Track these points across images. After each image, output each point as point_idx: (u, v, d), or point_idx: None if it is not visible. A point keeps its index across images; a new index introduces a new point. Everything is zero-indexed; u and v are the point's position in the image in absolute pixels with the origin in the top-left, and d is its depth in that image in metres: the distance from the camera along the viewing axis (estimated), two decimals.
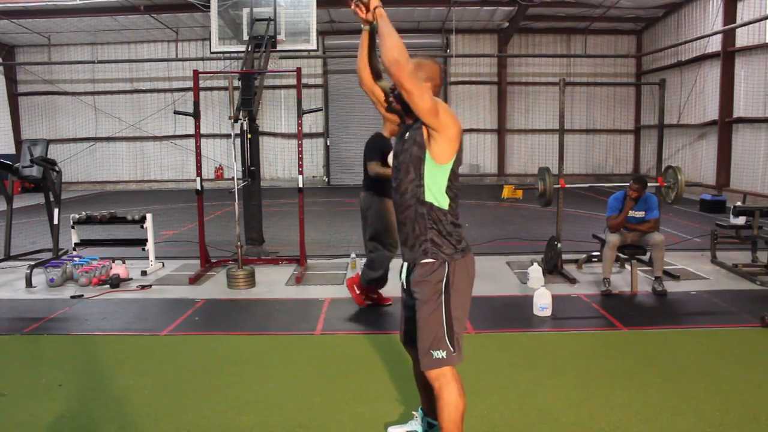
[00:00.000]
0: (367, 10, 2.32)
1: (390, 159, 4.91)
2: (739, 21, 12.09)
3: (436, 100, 2.31)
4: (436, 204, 2.40)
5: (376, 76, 2.59)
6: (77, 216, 6.69)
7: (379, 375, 3.70)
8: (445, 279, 2.40)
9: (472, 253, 2.51)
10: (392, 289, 5.27)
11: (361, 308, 5.13)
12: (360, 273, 5.14)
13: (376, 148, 4.89)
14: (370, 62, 2.55)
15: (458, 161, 2.41)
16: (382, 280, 4.99)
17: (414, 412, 2.94)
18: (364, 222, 5.08)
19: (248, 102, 6.79)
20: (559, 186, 6.13)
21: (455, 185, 2.43)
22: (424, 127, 2.35)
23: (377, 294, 5.15)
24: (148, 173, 18.21)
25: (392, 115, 2.60)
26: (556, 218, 6.33)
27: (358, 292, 5.12)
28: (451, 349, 2.40)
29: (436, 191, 2.39)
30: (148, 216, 6.62)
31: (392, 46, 2.20)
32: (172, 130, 17.75)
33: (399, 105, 2.45)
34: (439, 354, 2.39)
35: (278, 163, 17.88)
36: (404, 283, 2.59)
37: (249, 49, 7.60)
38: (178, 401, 3.37)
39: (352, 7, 2.34)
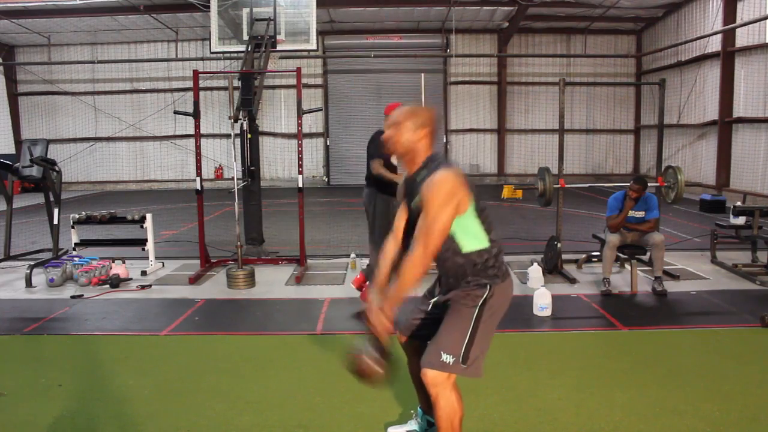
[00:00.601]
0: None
1: (394, 160, 4.91)
2: (739, 21, 12.10)
3: (447, 207, 2.26)
4: (475, 250, 2.38)
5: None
6: (77, 216, 6.68)
7: None
8: (484, 297, 2.39)
9: (510, 278, 2.50)
10: None
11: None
12: (363, 273, 5.14)
13: (375, 145, 4.90)
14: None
15: (476, 198, 2.36)
16: None
17: (412, 411, 2.94)
18: (368, 218, 5.10)
19: (248, 102, 6.79)
20: (559, 186, 6.13)
21: (484, 218, 2.40)
22: None
23: None
24: (148, 173, 18.21)
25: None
26: (556, 218, 6.33)
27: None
28: (461, 360, 2.36)
29: (471, 239, 2.37)
30: (148, 216, 6.62)
31: (417, 275, 2.29)
32: (172, 130, 17.75)
33: (396, 148, 2.46)
34: (447, 358, 2.35)
35: (278, 163, 17.88)
36: (435, 297, 2.59)
37: (249, 49, 7.60)
38: (178, 401, 3.37)
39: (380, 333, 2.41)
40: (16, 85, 17.77)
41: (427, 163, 2.39)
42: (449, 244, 2.37)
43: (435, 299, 2.57)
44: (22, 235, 8.70)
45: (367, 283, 5.18)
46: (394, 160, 4.99)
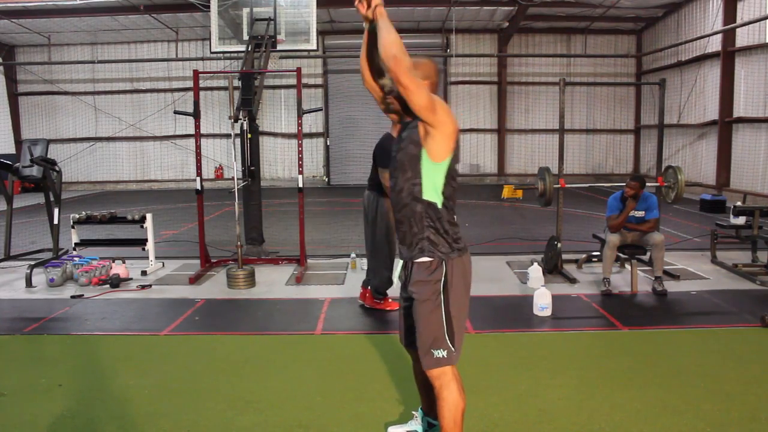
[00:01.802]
0: (368, 6, 2.32)
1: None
2: (739, 21, 12.09)
3: (433, 96, 2.30)
4: (433, 202, 2.39)
5: (378, 74, 2.60)
6: (77, 216, 6.69)
7: (379, 375, 3.70)
8: (443, 278, 2.40)
9: (469, 253, 2.51)
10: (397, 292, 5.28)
11: (361, 308, 5.12)
12: (369, 289, 5.12)
13: (383, 153, 4.83)
14: (371, 60, 2.56)
15: (455, 159, 2.41)
16: (390, 284, 5.01)
17: (414, 412, 2.94)
18: (366, 222, 5.06)
19: (248, 102, 6.80)
20: (559, 186, 6.13)
21: (452, 184, 2.42)
22: (420, 125, 2.34)
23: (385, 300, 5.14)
24: (148, 173, 18.22)
25: (392, 115, 2.60)
26: (556, 218, 6.33)
27: (378, 301, 5.09)
28: (452, 348, 2.40)
29: (432, 189, 2.38)
30: (148, 216, 6.62)
31: (390, 42, 2.21)
32: (172, 130, 17.76)
33: (398, 103, 2.45)
34: (440, 353, 2.39)
35: (278, 163, 17.88)
36: (400, 281, 2.60)
37: (249, 49, 7.60)
38: (178, 401, 3.37)
39: (356, 3, 2.35)
40: (16, 85, 17.78)
41: None
42: (413, 180, 2.37)
43: (402, 278, 2.56)
44: (22, 235, 8.70)
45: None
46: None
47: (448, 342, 2.40)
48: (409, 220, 2.42)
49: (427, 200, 2.39)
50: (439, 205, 2.40)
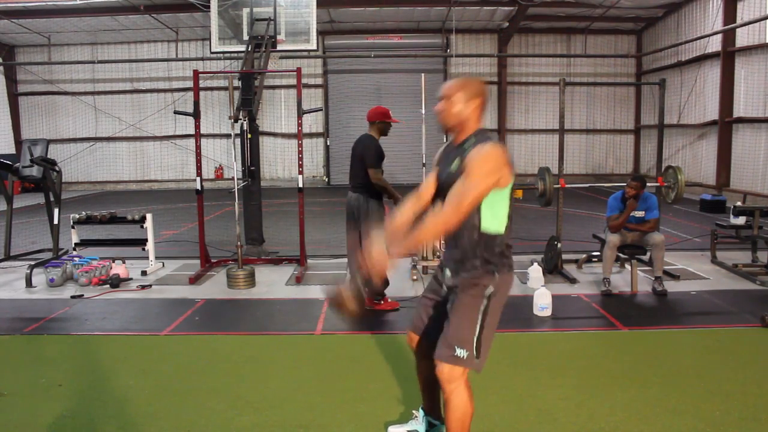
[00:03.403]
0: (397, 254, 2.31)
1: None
2: (739, 21, 12.09)
3: (486, 178, 2.25)
4: (492, 233, 2.37)
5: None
6: (77, 216, 6.69)
7: (379, 375, 3.69)
8: (491, 287, 2.38)
9: (513, 272, 2.49)
10: (396, 292, 5.28)
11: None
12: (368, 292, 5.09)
13: (378, 154, 4.82)
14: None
15: (512, 188, 2.39)
16: (387, 284, 5.00)
17: (414, 412, 2.94)
18: (351, 223, 4.98)
19: (248, 102, 6.80)
20: (559, 186, 6.13)
21: (511, 207, 2.40)
22: None
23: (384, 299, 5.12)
24: (148, 173, 18.21)
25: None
26: (556, 218, 6.33)
27: (378, 302, 5.07)
28: (474, 353, 2.36)
29: (493, 219, 2.36)
30: (148, 216, 6.62)
31: (440, 230, 2.29)
32: (172, 130, 17.75)
33: (446, 121, 2.44)
34: (461, 353, 2.35)
35: (278, 163, 17.87)
36: (443, 281, 2.54)
37: (249, 49, 7.60)
38: (178, 401, 3.37)
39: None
40: (17, 85, 17.77)
41: (478, 134, 2.40)
42: (472, 215, 2.34)
43: (445, 281, 2.52)
44: (22, 235, 8.70)
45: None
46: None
47: (474, 347, 2.36)
48: (465, 247, 2.40)
49: (485, 232, 2.37)
50: (500, 232, 2.38)
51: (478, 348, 2.36)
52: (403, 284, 5.85)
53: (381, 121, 4.94)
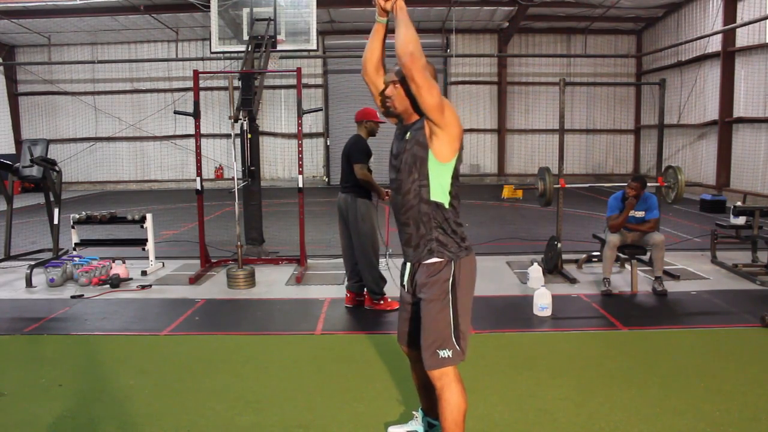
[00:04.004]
0: None
1: (387, 161, 4.89)
2: (739, 21, 12.09)
3: (442, 97, 2.32)
4: (440, 202, 2.39)
5: (381, 69, 2.59)
6: (77, 216, 6.69)
7: (379, 375, 3.70)
8: (451, 278, 2.40)
9: (474, 253, 2.52)
10: (395, 290, 5.28)
11: (361, 309, 5.12)
12: (368, 293, 5.08)
13: (363, 150, 4.84)
14: (376, 54, 2.55)
15: (459, 160, 2.42)
16: (383, 281, 5.00)
17: (414, 412, 2.94)
18: (344, 225, 4.99)
19: (248, 102, 6.80)
20: (559, 186, 6.13)
21: (457, 184, 2.43)
22: (426, 126, 2.35)
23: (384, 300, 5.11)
24: (148, 173, 18.22)
25: (391, 118, 2.60)
26: (556, 218, 6.33)
27: (378, 301, 5.06)
28: (457, 348, 2.40)
29: (439, 190, 2.39)
30: (148, 216, 6.62)
31: (409, 38, 2.22)
32: (172, 130, 17.76)
33: (396, 104, 2.44)
34: (445, 353, 2.39)
35: (278, 163, 17.88)
36: (406, 284, 2.58)
37: (249, 49, 7.60)
38: (178, 401, 3.37)
39: None
40: (17, 85, 17.78)
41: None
42: (420, 181, 2.37)
43: (407, 279, 2.55)
44: (22, 235, 8.70)
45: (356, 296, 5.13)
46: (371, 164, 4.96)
47: (455, 342, 2.40)
48: (417, 222, 2.42)
49: (434, 201, 2.39)
50: (447, 206, 2.40)
51: (457, 339, 2.40)
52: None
53: (368, 121, 4.95)
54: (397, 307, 5.02)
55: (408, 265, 2.55)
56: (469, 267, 2.46)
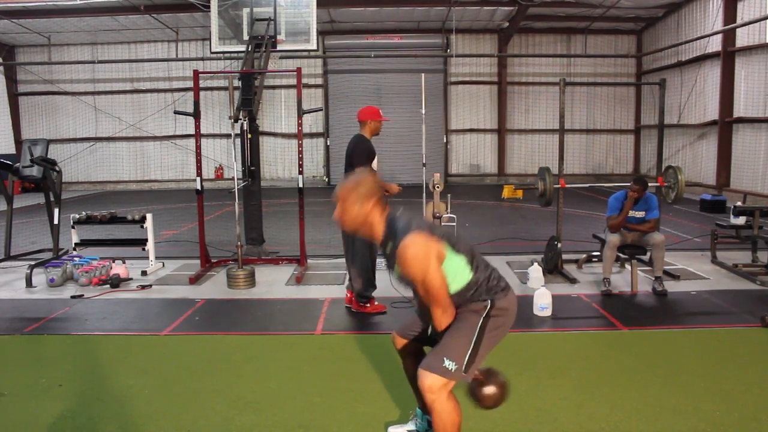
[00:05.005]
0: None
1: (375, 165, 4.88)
2: (739, 21, 12.09)
3: (430, 271, 2.28)
4: (463, 286, 2.40)
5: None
6: (77, 216, 6.69)
7: (379, 375, 3.70)
8: (486, 310, 2.41)
9: (513, 292, 2.51)
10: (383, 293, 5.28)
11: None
12: (354, 294, 5.06)
13: (365, 152, 4.81)
14: None
15: (446, 240, 2.38)
16: (372, 285, 4.99)
17: (412, 412, 2.94)
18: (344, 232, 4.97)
19: (248, 102, 6.80)
20: (559, 186, 6.13)
21: (463, 251, 2.40)
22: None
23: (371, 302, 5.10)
24: (148, 173, 18.21)
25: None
26: (556, 218, 6.33)
27: (363, 304, 5.04)
28: (463, 369, 2.35)
29: (456, 278, 2.38)
30: (148, 216, 6.62)
31: (448, 319, 2.40)
32: (172, 130, 17.75)
33: (346, 226, 2.46)
34: (450, 365, 2.33)
35: (278, 163, 17.88)
36: None
37: (249, 49, 7.60)
38: (178, 401, 3.37)
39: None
40: (17, 85, 17.77)
41: (388, 233, 2.38)
42: None
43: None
44: (22, 235, 8.70)
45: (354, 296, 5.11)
46: (374, 165, 4.93)
47: (465, 362, 2.35)
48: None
49: (458, 291, 2.40)
50: (471, 279, 2.40)
51: (468, 364, 2.36)
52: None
53: (372, 121, 4.94)
54: (384, 310, 5.02)
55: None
56: (507, 306, 2.46)
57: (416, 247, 2.25)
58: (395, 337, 2.77)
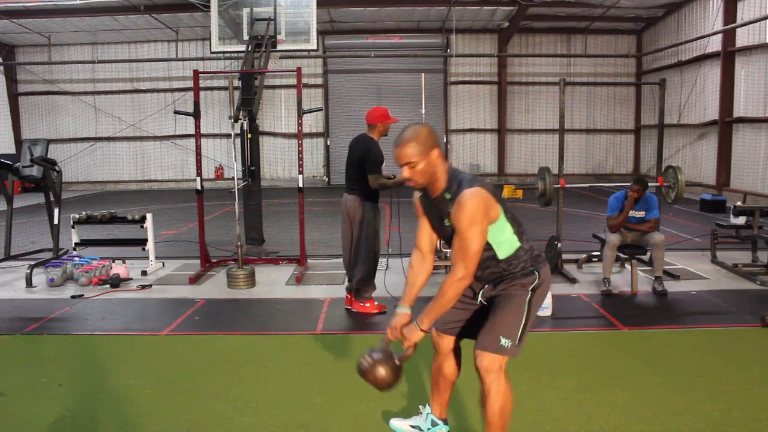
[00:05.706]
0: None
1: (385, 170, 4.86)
2: (739, 21, 12.09)
3: (481, 227, 2.32)
4: (511, 254, 2.47)
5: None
6: (77, 216, 6.68)
7: None
8: (534, 284, 2.48)
9: (548, 263, 2.61)
10: (383, 293, 5.28)
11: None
12: (354, 293, 5.04)
13: (377, 159, 4.69)
14: None
15: (502, 205, 2.44)
16: (372, 277, 4.98)
17: (420, 407, 2.92)
18: (347, 226, 4.92)
19: (248, 102, 6.80)
20: (559, 186, 6.13)
21: (513, 220, 2.48)
22: None
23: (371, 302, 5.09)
24: (148, 173, 18.21)
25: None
26: (556, 218, 6.33)
27: (363, 304, 5.04)
28: (517, 344, 2.43)
29: (507, 246, 2.46)
30: (148, 216, 6.62)
31: (459, 290, 2.37)
32: (172, 130, 17.75)
33: (418, 183, 2.44)
34: (507, 342, 2.40)
35: (278, 163, 17.87)
36: (479, 295, 2.60)
37: (249, 49, 7.60)
38: (178, 401, 3.37)
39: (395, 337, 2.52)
40: (17, 85, 17.77)
41: (450, 184, 2.38)
42: (487, 253, 2.44)
43: (480, 295, 2.59)
44: (22, 235, 8.70)
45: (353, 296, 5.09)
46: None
47: (519, 336, 2.43)
48: (499, 277, 2.51)
49: (506, 258, 2.47)
50: (518, 247, 2.48)
51: (521, 337, 2.44)
52: (395, 283, 5.84)
53: (382, 123, 4.87)
54: (384, 309, 5.01)
55: (483, 289, 2.59)
56: (548, 277, 2.56)
57: (477, 199, 2.30)
58: (440, 336, 2.69)
